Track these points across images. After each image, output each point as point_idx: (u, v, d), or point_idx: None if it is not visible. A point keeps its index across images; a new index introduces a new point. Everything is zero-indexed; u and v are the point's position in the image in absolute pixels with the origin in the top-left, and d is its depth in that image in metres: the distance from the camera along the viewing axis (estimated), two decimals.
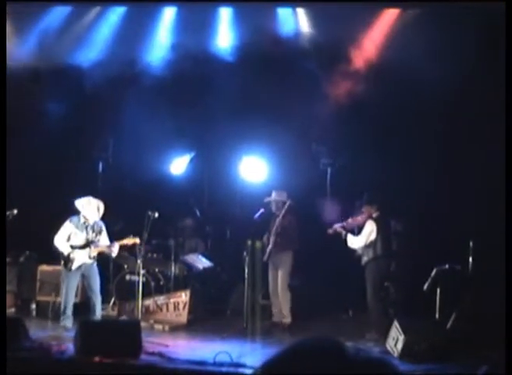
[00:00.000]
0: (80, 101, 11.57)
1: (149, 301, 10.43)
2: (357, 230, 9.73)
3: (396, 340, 8.32)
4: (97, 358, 7.56)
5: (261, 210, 10.27)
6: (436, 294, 8.98)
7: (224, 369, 7.58)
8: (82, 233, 9.57)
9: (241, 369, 7.50)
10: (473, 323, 8.63)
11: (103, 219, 9.74)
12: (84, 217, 9.58)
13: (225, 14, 11.34)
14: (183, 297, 10.37)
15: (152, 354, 8.11)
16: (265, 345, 9.00)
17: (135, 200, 11.05)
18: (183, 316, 10.30)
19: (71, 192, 9.83)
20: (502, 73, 8.50)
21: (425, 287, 9.04)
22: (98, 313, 9.54)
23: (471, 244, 9.23)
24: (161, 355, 8.09)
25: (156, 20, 11.54)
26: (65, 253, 9.51)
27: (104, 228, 9.72)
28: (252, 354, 8.23)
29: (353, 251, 9.65)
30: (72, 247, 9.51)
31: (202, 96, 11.32)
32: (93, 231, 9.60)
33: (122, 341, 7.91)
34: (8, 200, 9.52)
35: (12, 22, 10.99)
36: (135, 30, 11.48)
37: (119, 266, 11.14)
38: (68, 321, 9.42)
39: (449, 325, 8.74)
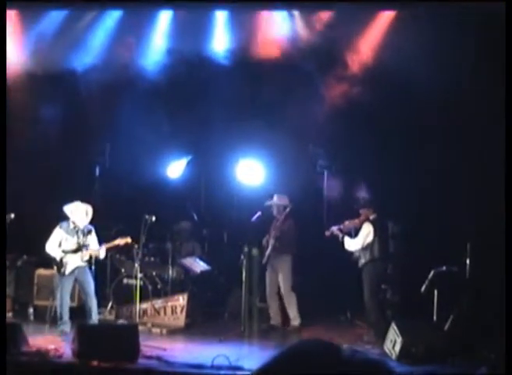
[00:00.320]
0: (77, 106, 11.59)
1: (146, 305, 10.42)
2: (354, 233, 9.73)
3: (393, 342, 8.33)
4: (95, 362, 7.58)
5: (258, 213, 10.26)
6: (434, 296, 8.98)
7: (222, 372, 7.60)
8: (73, 238, 9.58)
9: (239, 372, 7.52)
10: (470, 324, 8.64)
11: (96, 222, 9.74)
12: (73, 222, 9.59)
13: (220, 18, 11.34)
14: (181, 300, 10.36)
15: (150, 358, 8.11)
16: (263, 348, 9.00)
17: (132, 204, 11.05)
18: (180, 320, 10.29)
19: (68, 196, 9.82)
20: (502, 74, 8.49)
21: (423, 289, 9.04)
22: (95, 317, 9.52)
23: (468, 246, 9.23)
24: (158, 358, 8.10)
25: (152, 25, 11.53)
26: (58, 258, 9.52)
27: (93, 231, 9.72)
28: (250, 357, 8.22)
29: (351, 253, 9.65)
30: (65, 252, 9.52)
31: (198, 100, 11.33)
32: (83, 235, 9.61)
33: (119, 344, 7.92)
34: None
35: (8, 26, 10.97)
36: (131, 35, 11.48)
37: (117, 269, 11.12)
38: (65, 326, 9.42)
39: (446, 327, 8.74)
